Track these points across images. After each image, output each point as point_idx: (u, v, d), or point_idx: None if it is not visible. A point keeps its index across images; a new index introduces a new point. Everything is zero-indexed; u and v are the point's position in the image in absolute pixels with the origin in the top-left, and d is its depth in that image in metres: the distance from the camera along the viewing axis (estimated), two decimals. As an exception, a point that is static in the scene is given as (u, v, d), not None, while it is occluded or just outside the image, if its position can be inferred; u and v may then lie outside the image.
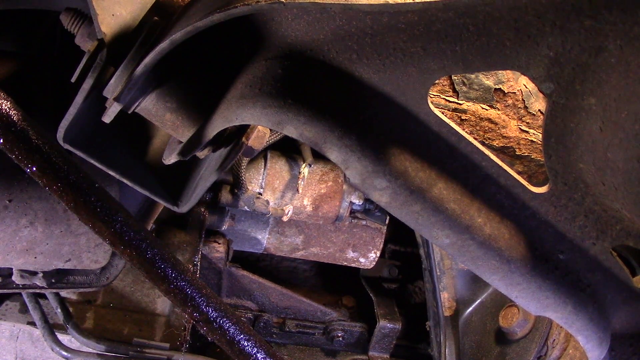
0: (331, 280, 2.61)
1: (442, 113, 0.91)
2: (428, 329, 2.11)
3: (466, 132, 1.20)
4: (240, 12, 0.77)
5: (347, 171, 0.83)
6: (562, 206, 0.83)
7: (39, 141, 0.95)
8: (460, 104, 1.63)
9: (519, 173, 1.27)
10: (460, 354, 1.95)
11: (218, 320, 1.06)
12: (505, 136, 1.68)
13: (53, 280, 1.57)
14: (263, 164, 2.03)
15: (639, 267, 1.03)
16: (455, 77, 1.62)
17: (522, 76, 1.67)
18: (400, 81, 0.79)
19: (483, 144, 1.60)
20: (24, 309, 1.92)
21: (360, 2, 0.73)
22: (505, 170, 0.84)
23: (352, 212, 2.18)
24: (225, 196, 1.99)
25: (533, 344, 1.63)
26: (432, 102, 0.81)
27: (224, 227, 2.12)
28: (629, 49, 0.60)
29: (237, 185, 1.92)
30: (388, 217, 2.21)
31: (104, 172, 1.11)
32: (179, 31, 0.81)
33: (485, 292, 1.93)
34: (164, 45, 0.84)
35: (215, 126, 0.94)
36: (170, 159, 1.05)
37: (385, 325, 2.31)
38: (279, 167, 2.03)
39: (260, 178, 2.02)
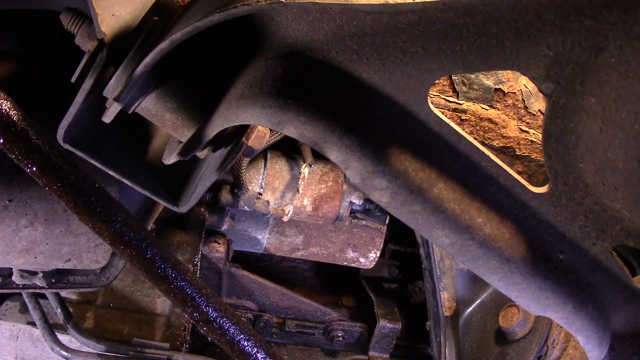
0: (331, 280, 2.61)
1: (442, 113, 0.91)
2: (428, 329, 2.11)
3: (466, 132, 1.20)
4: (240, 12, 0.77)
5: (347, 171, 0.83)
6: (562, 206, 0.83)
7: (39, 141, 0.95)
8: (460, 104, 1.63)
9: (519, 173, 1.27)
10: (460, 354, 1.95)
11: (218, 320, 1.06)
12: (505, 136, 1.68)
13: (53, 280, 1.57)
14: (263, 164, 2.03)
15: (639, 267, 1.03)
16: (455, 77, 1.62)
17: (522, 76, 1.67)
18: (400, 81, 0.79)
19: (483, 144, 1.60)
20: (24, 309, 1.92)
21: (360, 2, 0.74)
22: (505, 170, 0.84)
23: (352, 212, 2.18)
24: (225, 196, 1.99)
25: (533, 344, 1.63)
26: (432, 102, 0.81)
27: (224, 227, 2.12)
28: (629, 49, 0.60)
29: (237, 185, 1.92)
30: (388, 217, 2.21)
31: (104, 172, 1.11)
32: (179, 31, 0.81)
33: (485, 292, 1.93)
34: (164, 45, 0.84)
35: (215, 126, 0.94)
36: (170, 159, 1.05)
37: (385, 325, 2.31)
38: (279, 167, 2.03)
39: (260, 178, 2.02)
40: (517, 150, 1.70)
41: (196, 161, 1.20)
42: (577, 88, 0.68)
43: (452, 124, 0.82)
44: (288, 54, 0.85)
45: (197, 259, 2.00)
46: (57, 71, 1.36)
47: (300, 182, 1.98)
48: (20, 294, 1.86)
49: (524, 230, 0.88)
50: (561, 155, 0.76)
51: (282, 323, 2.34)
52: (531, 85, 1.68)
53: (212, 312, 1.05)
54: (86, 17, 1.01)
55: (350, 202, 2.07)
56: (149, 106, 1.00)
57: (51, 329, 1.81)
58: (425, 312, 2.14)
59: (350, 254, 2.28)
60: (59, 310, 1.78)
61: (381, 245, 2.28)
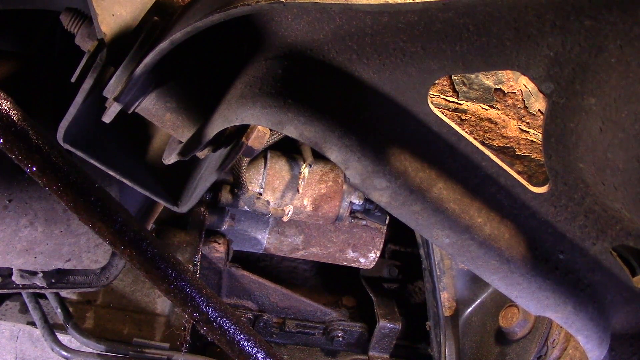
0: (331, 280, 2.61)
1: (442, 113, 0.91)
2: (428, 329, 2.11)
3: (466, 132, 1.20)
4: (240, 12, 0.77)
5: (347, 171, 0.83)
6: (562, 206, 0.83)
7: (39, 141, 0.95)
8: (460, 104, 1.63)
9: (519, 173, 1.27)
10: (460, 354, 1.95)
11: (218, 320, 1.06)
12: (505, 136, 1.68)
13: (53, 280, 1.57)
14: (263, 164, 2.03)
15: (639, 267, 1.02)
16: (455, 77, 1.62)
17: (522, 76, 1.67)
18: (400, 81, 0.79)
19: (483, 144, 1.60)
20: (24, 309, 1.92)
21: (360, 2, 0.74)
22: (505, 170, 0.84)
23: (352, 212, 2.18)
24: (225, 196, 1.99)
25: (533, 344, 1.63)
26: (432, 102, 0.81)
27: (224, 227, 2.12)
28: (629, 49, 0.61)
29: (237, 185, 1.92)
30: (388, 217, 2.21)
31: (104, 172, 1.11)
32: (178, 31, 0.81)
33: (485, 292, 1.93)
34: (163, 45, 0.84)
35: (215, 126, 0.94)
36: (170, 159, 1.05)
37: (385, 325, 2.31)
38: (279, 167, 2.03)
39: (260, 178, 2.02)
40: (517, 150, 1.70)
41: (196, 161, 1.20)
42: (577, 88, 0.68)
43: (452, 124, 0.82)
44: (288, 54, 0.85)
45: (197, 259, 2.00)
46: (57, 71, 1.36)
47: (300, 182, 1.98)
48: (20, 294, 1.86)
49: (524, 230, 0.88)
50: (561, 155, 0.76)
51: (282, 323, 2.34)
52: (531, 85, 1.68)
53: (212, 312, 1.05)
54: (86, 17, 1.01)
55: (350, 202, 2.07)
56: (149, 106, 1.00)
57: (51, 329, 1.81)
58: (425, 312, 2.14)
59: (350, 254, 2.28)
60: (59, 310, 1.78)
61: (381, 245, 2.28)
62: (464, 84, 1.62)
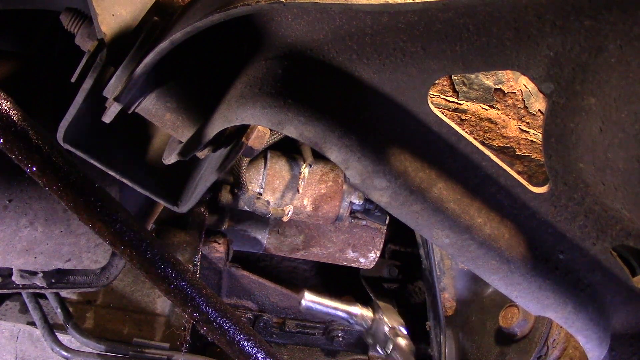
0: (331, 280, 2.61)
1: (442, 113, 0.92)
2: (428, 329, 2.11)
3: (466, 132, 1.20)
4: (240, 12, 0.77)
5: (347, 171, 0.83)
6: (562, 206, 0.84)
7: (39, 141, 0.95)
8: (460, 104, 1.63)
9: (519, 173, 1.27)
10: (460, 354, 1.95)
11: (218, 320, 1.06)
12: (505, 136, 1.68)
13: (53, 280, 1.57)
14: (263, 164, 2.03)
15: (639, 267, 1.02)
16: (455, 77, 1.62)
17: (522, 76, 1.67)
18: (400, 81, 0.79)
19: (483, 144, 1.60)
20: (24, 309, 1.92)
21: (360, 2, 0.74)
22: (505, 170, 0.84)
23: (352, 212, 2.18)
24: (225, 196, 1.99)
25: (533, 344, 1.63)
26: (432, 102, 0.81)
27: (224, 227, 2.12)
28: (629, 49, 0.61)
29: (237, 186, 1.92)
30: (388, 217, 2.21)
31: (104, 172, 1.11)
32: (179, 31, 0.81)
33: (485, 292, 1.93)
34: (164, 45, 0.84)
35: (215, 126, 0.94)
36: (170, 159, 1.05)
37: (385, 325, 2.30)
38: (279, 167, 2.03)
39: (260, 178, 2.02)
40: (517, 150, 1.70)
41: (196, 161, 1.20)
42: (577, 88, 0.68)
43: (452, 124, 0.82)
44: (288, 54, 0.85)
45: (197, 259, 2.00)
46: (57, 71, 1.36)
47: (300, 182, 1.98)
48: (20, 294, 1.86)
49: (524, 230, 0.88)
50: (561, 155, 0.76)
51: (282, 323, 2.34)
52: (531, 85, 1.68)
53: (212, 312, 1.05)
54: (86, 17, 1.01)
55: (350, 202, 2.07)
56: (149, 106, 1.00)
57: (51, 329, 1.81)
58: (425, 312, 2.14)
59: (350, 254, 2.28)
60: (59, 310, 1.78)
61: (381, 245, 2.28)
62: (464, 84, 1.62)
